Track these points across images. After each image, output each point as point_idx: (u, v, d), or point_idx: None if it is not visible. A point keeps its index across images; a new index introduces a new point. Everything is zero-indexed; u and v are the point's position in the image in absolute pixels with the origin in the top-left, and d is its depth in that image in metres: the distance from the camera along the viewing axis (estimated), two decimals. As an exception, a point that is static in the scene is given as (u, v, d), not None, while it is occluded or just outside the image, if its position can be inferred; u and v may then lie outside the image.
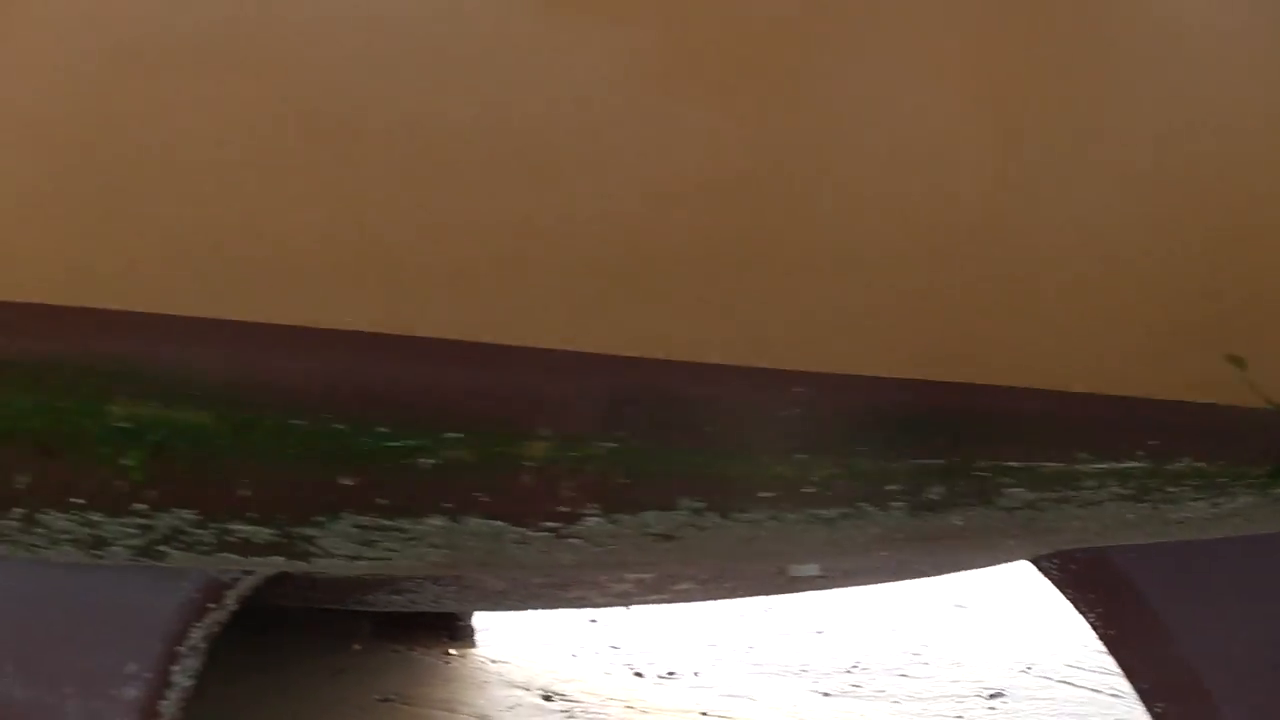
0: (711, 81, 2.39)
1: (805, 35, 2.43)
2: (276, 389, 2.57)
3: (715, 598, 4.65)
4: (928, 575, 4.45)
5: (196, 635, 3.51)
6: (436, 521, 2.76)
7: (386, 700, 4.99)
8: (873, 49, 2.47)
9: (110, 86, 2.43)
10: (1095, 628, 4.32)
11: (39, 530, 2.97)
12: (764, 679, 5.31)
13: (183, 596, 3.43)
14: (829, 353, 2.58)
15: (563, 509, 2.73)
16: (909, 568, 4.13)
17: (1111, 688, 5.03)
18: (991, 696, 5.08)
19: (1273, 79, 2.57)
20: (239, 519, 2.82)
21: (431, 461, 2.62)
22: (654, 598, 4.35)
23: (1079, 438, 2.77)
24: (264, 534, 2.86)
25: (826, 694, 5.14)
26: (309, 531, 2.84)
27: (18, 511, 2.90)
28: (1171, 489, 2.94)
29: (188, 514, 2.83)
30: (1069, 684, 5.14)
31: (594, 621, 5.73)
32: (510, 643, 5.56)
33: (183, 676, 3.52)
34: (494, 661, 5.44)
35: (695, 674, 5.34)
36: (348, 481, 2.68)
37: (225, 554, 3.00)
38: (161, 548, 3.01)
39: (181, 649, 3.50)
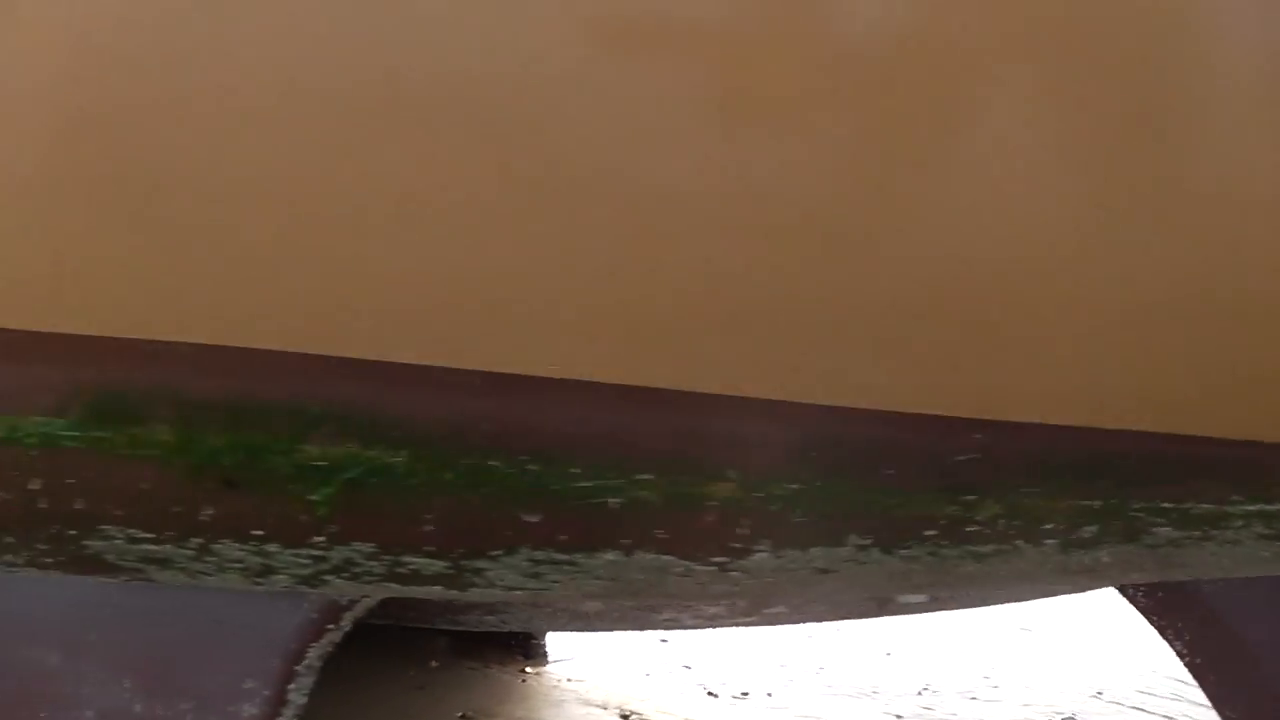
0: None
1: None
2: (476, 431, 2.64)
3: (803, 621, 4.74)
4: (1014, 601, 4.54)
5: (313, 654, 3.58)
6: (610, 556, 2.84)
7: (466, 717, 5.05)
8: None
9: (343, 148, 2.52)
10: (1181, 655, 4.41)
11: (210, 559, 3.04)
12: (836, 700, 5.38)
13: (302, 617, 3.50)
14: (1007, 402, 2.67)
15: (735, 545, 2.81)
16: (1003, 595, 4.21)
17: (1185, 715, 5.13)
18: (1063, 721, 5.16)
19: None
20: (416, 552, 2.89)
21: (619, 501, 2.70)
22: (744, 621, 4.42)
23: (1235, 481, 2.87)
24: (436, 566, 2.93)
25: (899, 716, 5.22)
26: (481, 564, 2.91)
27: (194, 541, 2.97)
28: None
29: (365, 547, 2.90)
30: (1141, 710, 5.22)
31: (665, 641, 5.79)
32: (583, 662, 5.62)
33: (298, 695, 3.58)
34: (569, 680, 5.50)
35: (768, 695, 5.41)
36: (532, 519, 2.75)
37: (389, 584, 3.07)
38: (328, 577, 3.07)
39: (299, 668, 3.57)
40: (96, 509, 2.92)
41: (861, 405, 2.63)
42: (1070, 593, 4.33)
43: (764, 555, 2.84)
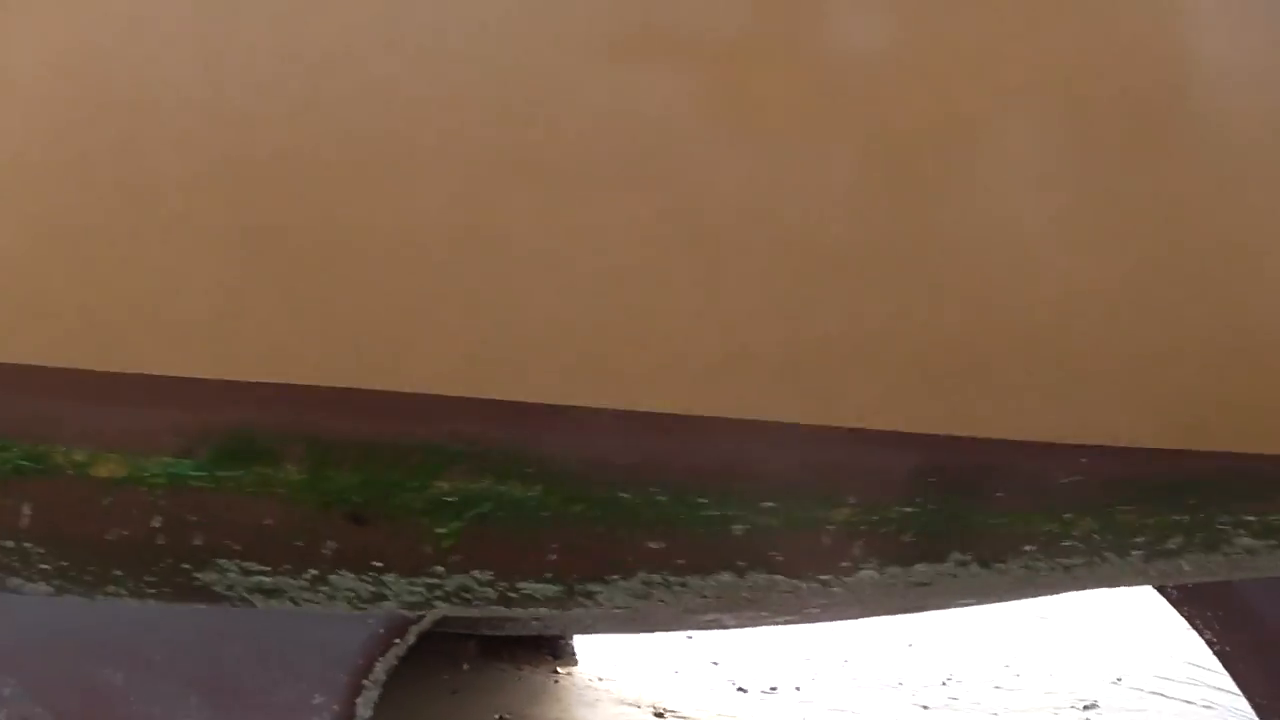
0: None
1: None
2: (611, 466, 2.74)
3: (840, 619, 4.85)
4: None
5: (380, 668, 3.65)
6: (724, 577, 2.95)
7: (503, 718, 5.12)
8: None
9: (489, 200, 2.60)
10: (1211, 644, 4.58)
11: (323, 589, 3.11)
12: (863, 693, 5.50)
13: (369, 632, 3.57)
14: (1111, 428, 2.80)
15: (844, 564, 2.92)
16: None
17: (1204, 699, 5.29)
18: (1086, 708, 5.30)
19: None
20: (535, 579, 2.98)
21: (743, 528, 2.81)
22: (783, 620, 4.53)
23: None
24: (550, 590, 3.02)
25: (925, 707, 5.34)
26: (595, 588, 3.01)
27: (310, 573, 3.04)
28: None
29: (483, 575, 2.98)
30: (1161, 695, 5.38)
31: (690, 638, 5.88)
32: (611, 660, 5.69)
33: (365, 708, 3.66)
34: (600, 680, 5.58)
35: (796, 689, 5.52)
36: (656, 545, 2.86)
37: (497, 607, 3.15)
38: (438, 603, 3.15)
39: (366, 682, 3.64)
40: (215, 544, 2.99)
41: (977, 434, 2.74)
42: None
43: (869, 572, 2.96)
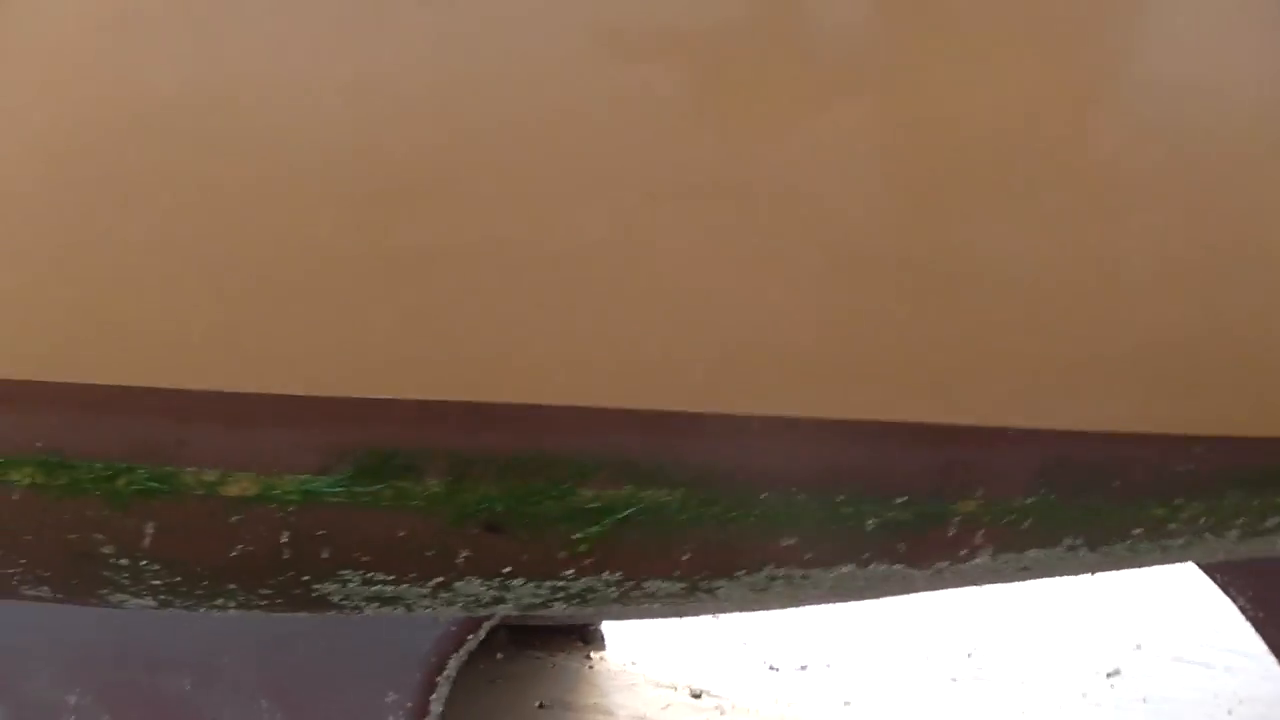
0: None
1: None
2: (751, 468, 2.81)
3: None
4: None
5: (453, 664, 3.71)
6: (846, 569, 3.03)
7: (545, 707, 5.17)
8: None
9: (633, 219, 2.65)
10: (1244, 610, 4.73)
11: (444, 595, 3.15)
12: (891, 667, 5.61)
13: (442, 629, 3.63)
14: (1225, 418, 2.91)
15: (962, 553, 3.02)
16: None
17: (1225, 664, 5.46)
18: (1109, 675, 5.45)
19: None
20: (662, 578, 3.04)
21: (876, 522, 2.89)
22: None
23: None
24: (675, 588, 3.09)
25: (954, 679, 5.46)
26: (720, 584, 3.08)
27: (435, 581, 3.07)
28: None
29: (612, 576, 3.04)
30: (1181, 660, 5.54)
31: (716, 619, 5.94)
32: (641, 644, 5.76)
33: (438, 704, 3.71)
34: (633, 663, 5.64)
35: (827, 666, 5.61)
36: (789, 542, 2.93)
37: (615, 605, 3.21)
38: (556, 604, 3.20)
39: (439, 679, 3.70)
40: (343, 557, 3.02)
41: (1103, 429, 2.85)
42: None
43: (984, 559, 3.05)
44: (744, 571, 3.01)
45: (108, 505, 3.01)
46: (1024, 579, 3.53)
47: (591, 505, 2.85)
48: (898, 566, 3.04)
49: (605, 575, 3.03)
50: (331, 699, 3.73)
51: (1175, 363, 2.84)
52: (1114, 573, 6.26)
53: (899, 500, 2.89)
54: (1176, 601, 6.01)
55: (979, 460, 2.86)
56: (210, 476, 2.90)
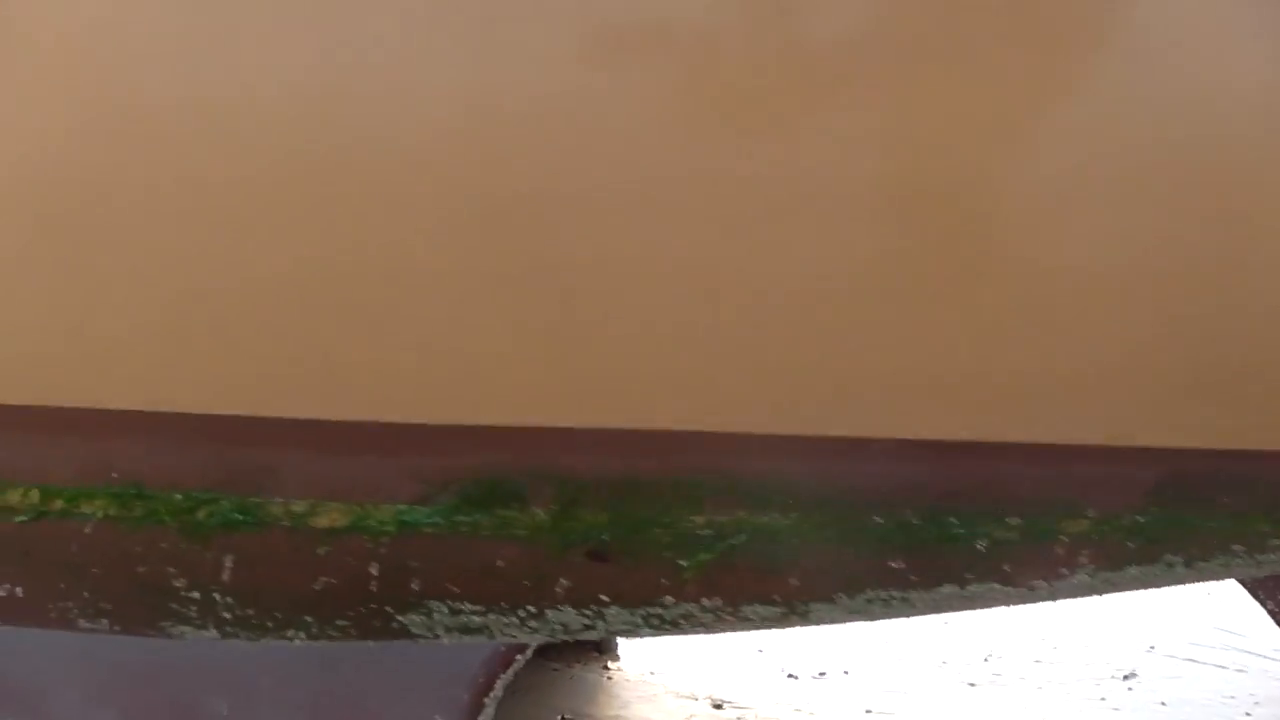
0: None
1: None
2: (868, 491, 2.76)
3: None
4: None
5: (499, 686, 3.64)
6: (946, 589, 2.99)
7: (565, 718, 5.11)
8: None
9: (742, 236, 2.59)
10: (1274, 614, 4.78)
11: (533, 624, 3.08)
12: (909, 673, 5.59)
13: (490, 650, 3.55)
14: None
15: (1062, 570, 2.99)
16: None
17: (1237, 664, 5.49)
18: (1126, 677, 5.46)
19: None
20: (763, 602, 2.98)
21: (986, 544, 2.85)
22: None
23: None
24: (773, 612, 3.03)
25: (972, 684, 5.45)
26: (819, 607, 3.03)
27: (527, 610, 3.00)
28: None
29: (713, 602, 2.98)
30: (1195, 661, 5.57)
31: (729, 627, 5.90)
32: (656, 654, 5.70)
33: (484, 725, 3.65)
34: (652, 674, 5.59)
35: (845, 673, 5.58)
36: (897, 565, 2.88)
37: (705, 628, 3.16)
38: (647, 629, 3.14)
39: (486, 700, 3.63)
40: (434, 588, 2.94)
41: (1211, 445, 2.82)
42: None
43: (1082, 577, 3.03)
44: (846, 595, 2.96)
45: (185, 537, 2.91)
46: (1106, 593, 3.52)
47: (703, 531, 2.79)
48: (997, 585, 3.01)
49: (705, 601, 2.97)
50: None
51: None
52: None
53: (1012, 521, 2.85)
54: (1186, 603, 6.03)
55: (1094, 479, 2.83)
56: (299, 507, 2.81)
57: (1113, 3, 2.73)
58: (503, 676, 3.66)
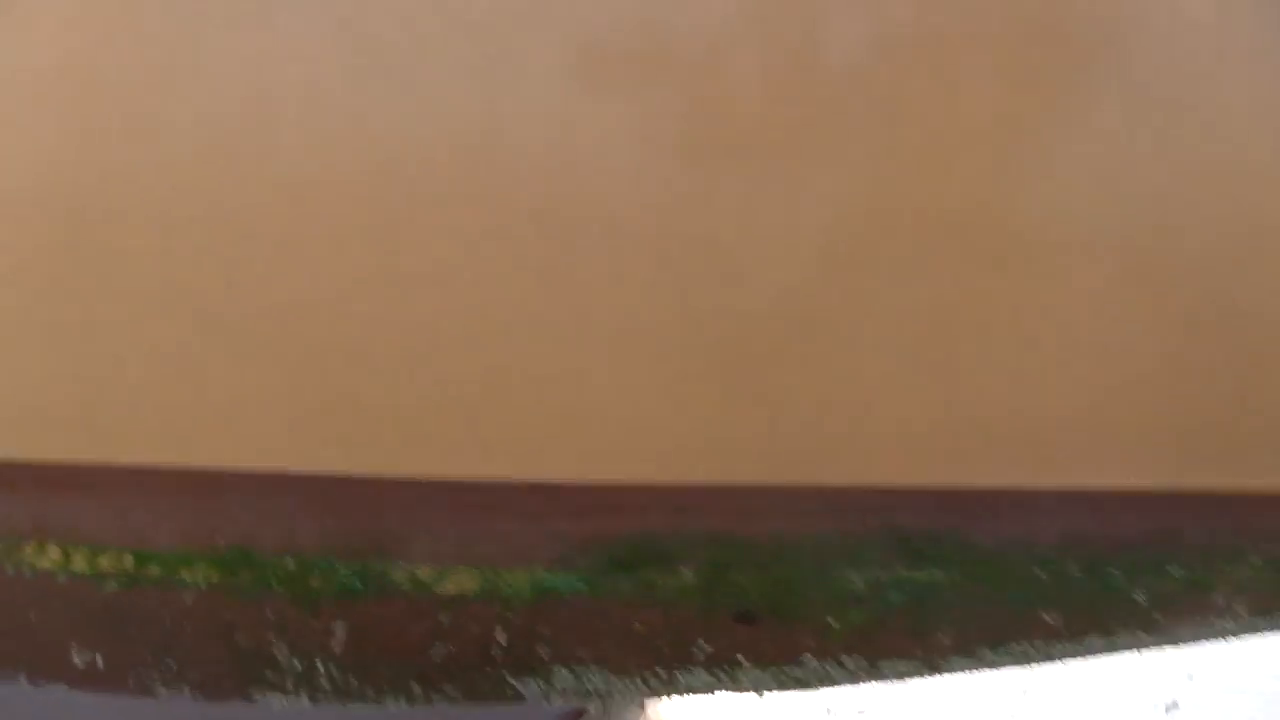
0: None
1: None
2: (1031, 544, 2.64)
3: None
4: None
5: None
6: (1092, 640, 2.87)
7: (604, 763, 4.94)
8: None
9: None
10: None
11: (658, 685, 2.92)
12: (947, 708, 5.48)
13: (560, 709, 3.41)
14: None
15: (1213, 617, 2.89)
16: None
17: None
18: (1169, 709, 5.38)
19: None
20: (905, 658, 2.85)
21: (1145, 595, 2.73)
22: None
23: None
24: (910, 668, 2.89)
25: (1012, 719, 5.35)
26: (960, 660, 2.89)
27: (661, 672, 2.84)
28: None
29: (854, 661, 2.83)
30: (1235, 690, 5.49)
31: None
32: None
33: (554, 779, 3.49)
34: (688, 713, 5.43)
35: (883, 709, 5.46)
36: (1050, 619, 2.76)
37: (843, 684, 3.01)
38: (769, 688, 2.99)
39: None
40: (563, 655, 2.77)
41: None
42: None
43: (1231, 623, 2.93)
44: (989, 648, 2.83)
45: (294, 605, 2.72)
46: (1243, 637, 3.43)
47: (857, 590, 2.65)
48: (1142, 633, 2.89)
49: (845, 659, 2.82)
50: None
51: None
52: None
53: (1175, 571, 2.74)
54: (1226, 630, 5.96)
55: (1264, 527, 2.73)
56: (424, 574, 2.63)
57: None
58: (576, 727, 3.52)
